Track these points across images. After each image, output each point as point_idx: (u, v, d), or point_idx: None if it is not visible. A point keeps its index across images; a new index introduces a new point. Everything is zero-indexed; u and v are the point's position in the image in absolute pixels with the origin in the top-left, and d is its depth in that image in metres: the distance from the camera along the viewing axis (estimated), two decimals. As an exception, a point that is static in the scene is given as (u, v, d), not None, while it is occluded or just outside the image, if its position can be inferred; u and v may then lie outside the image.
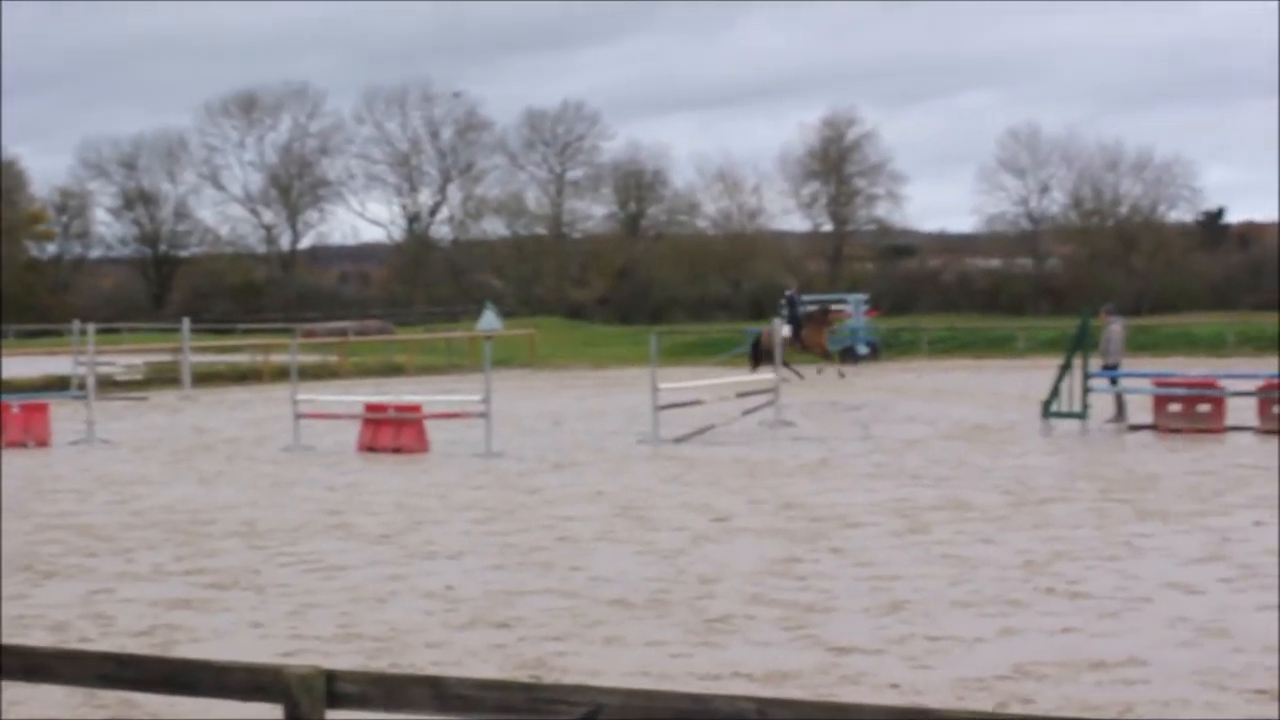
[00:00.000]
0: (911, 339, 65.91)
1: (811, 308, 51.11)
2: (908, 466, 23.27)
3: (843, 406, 35.72)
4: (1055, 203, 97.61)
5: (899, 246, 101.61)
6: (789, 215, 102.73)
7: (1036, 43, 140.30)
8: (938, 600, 12.96)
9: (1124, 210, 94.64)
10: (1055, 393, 28.97)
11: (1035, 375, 42.96)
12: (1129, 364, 33.46)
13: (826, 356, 49.01)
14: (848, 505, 18.91)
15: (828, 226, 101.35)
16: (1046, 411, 29.09)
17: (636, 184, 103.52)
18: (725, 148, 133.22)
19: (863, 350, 59.03)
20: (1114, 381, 30.18)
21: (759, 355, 47.68)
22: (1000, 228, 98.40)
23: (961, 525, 17.19)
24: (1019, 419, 31.03)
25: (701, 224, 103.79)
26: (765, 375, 32.68)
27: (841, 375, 46.74)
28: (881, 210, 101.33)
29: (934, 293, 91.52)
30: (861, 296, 63.54)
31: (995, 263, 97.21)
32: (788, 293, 50.60)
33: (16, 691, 9.69)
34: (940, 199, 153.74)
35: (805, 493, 20.27)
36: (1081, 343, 28.68)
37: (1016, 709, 9.55)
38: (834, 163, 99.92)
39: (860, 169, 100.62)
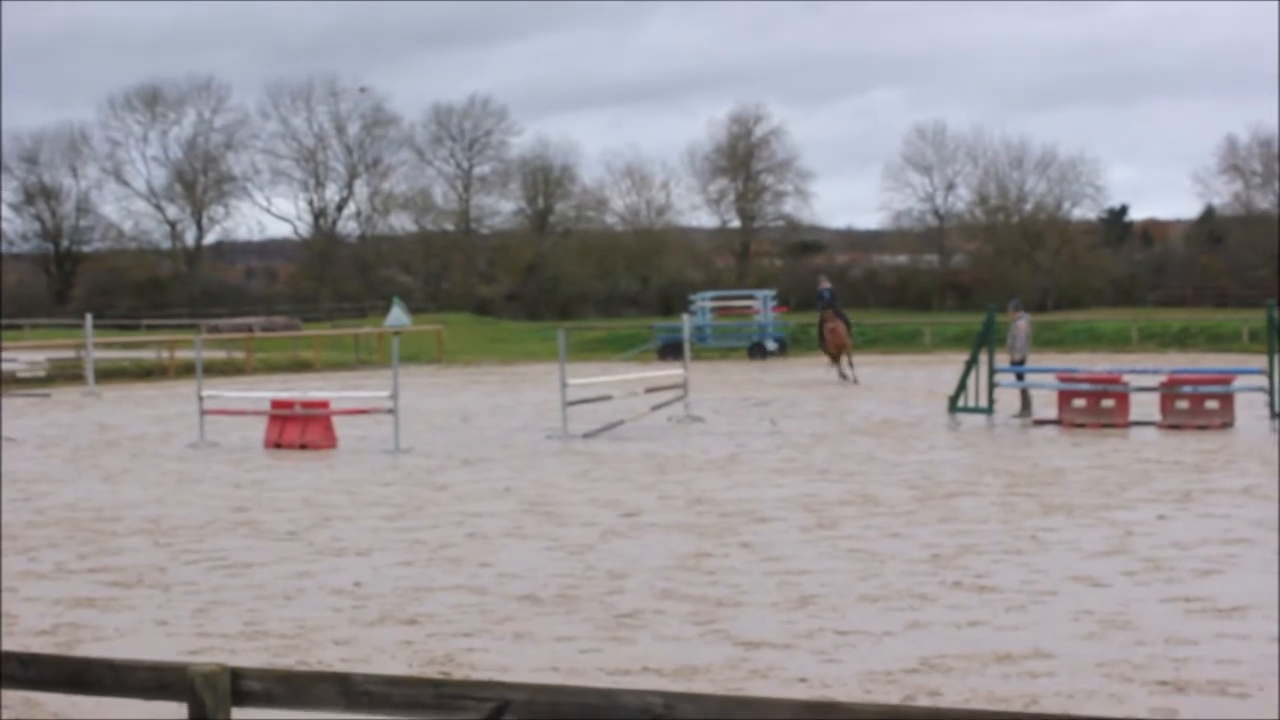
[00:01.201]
0: (819, 335, 66.07)
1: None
2: (816, 462, 23.37)
3: (751, 402, 35.82)
4: (961, 200, 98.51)
5: (807, 243, 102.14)
6: (697, 211, 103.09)
7: (943, 41, 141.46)
8: (846, 595, 13.02)
9: (1029, 207, 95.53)
10: (962, 388, 29.15)
11: (942, 370, 43.33)
12: (1034, 359, 33.72)
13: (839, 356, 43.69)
14: (757, 500, 18.96)
15: (735, 223, 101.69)
16: (953, 406, 29.27)
17: (545, 180, 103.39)
18: (634, 144, 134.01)
19: (771, 346, 59.25)
20: (1020, 377, 30.43)
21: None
22: (907, 224, 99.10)
23: (869, 520, 17.28)
24: (926, 414, 31.23)
25: (610, 220, 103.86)
26: (676, 371, 32.66)
27: (843, 378, 41.86)
28: (789, 207, 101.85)
29: (841, 289, 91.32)
30: (769, 293, 63.72)
31: (902, 259, 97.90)
32: (822, 287, 45.96)
33: (-85, 692, 9.55)
34: (847, 196, 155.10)
35: (715, 488, 20.30)
36: (988, 338, 28.88)
37: (924, 702, 9.61)
38: (742, 159, 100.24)
39: (768, 165, 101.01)
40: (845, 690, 9.92)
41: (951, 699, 9.69)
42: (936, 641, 11.26)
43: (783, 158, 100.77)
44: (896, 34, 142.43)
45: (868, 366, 47.07)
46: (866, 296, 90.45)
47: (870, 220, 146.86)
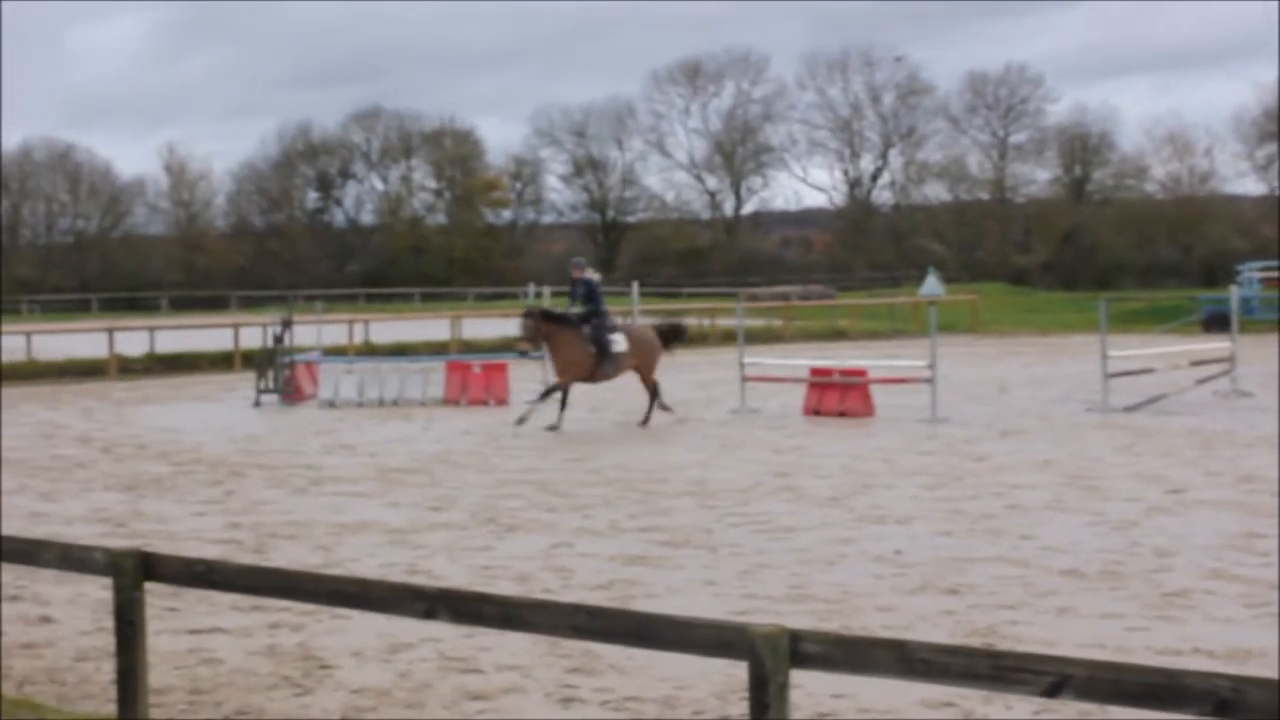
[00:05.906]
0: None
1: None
2: (1376, 441, 22.17)
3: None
4: None
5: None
6: (1243, 178, 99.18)
7: None
8: None
9: None
10: None
11: None
12: None
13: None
14: (1312, 480, 18.14)
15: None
16: None
17: (1082, 147, 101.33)
18: (1176, 109, 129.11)
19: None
20: None
21: None
22: None
23: None
24: None
25: (1150, 188, 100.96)
26: (1222, 344, 31.53)
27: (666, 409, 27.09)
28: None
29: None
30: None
31: None
32: (577, 276, 26.73)
33: (487, 639, 10.13)
34: None
35: (1265, 465, 19.50)
36: None
37: None
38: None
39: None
40: None
41: None
42: None
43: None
44: None
45: None
46: None
47: None
